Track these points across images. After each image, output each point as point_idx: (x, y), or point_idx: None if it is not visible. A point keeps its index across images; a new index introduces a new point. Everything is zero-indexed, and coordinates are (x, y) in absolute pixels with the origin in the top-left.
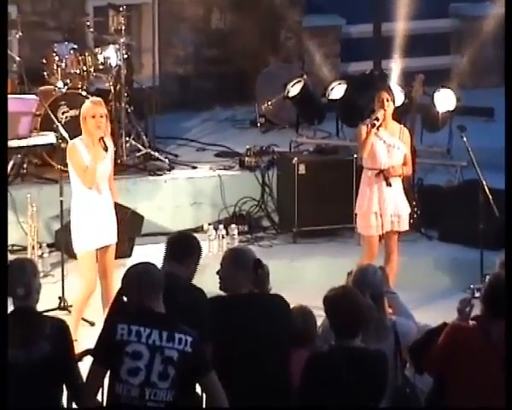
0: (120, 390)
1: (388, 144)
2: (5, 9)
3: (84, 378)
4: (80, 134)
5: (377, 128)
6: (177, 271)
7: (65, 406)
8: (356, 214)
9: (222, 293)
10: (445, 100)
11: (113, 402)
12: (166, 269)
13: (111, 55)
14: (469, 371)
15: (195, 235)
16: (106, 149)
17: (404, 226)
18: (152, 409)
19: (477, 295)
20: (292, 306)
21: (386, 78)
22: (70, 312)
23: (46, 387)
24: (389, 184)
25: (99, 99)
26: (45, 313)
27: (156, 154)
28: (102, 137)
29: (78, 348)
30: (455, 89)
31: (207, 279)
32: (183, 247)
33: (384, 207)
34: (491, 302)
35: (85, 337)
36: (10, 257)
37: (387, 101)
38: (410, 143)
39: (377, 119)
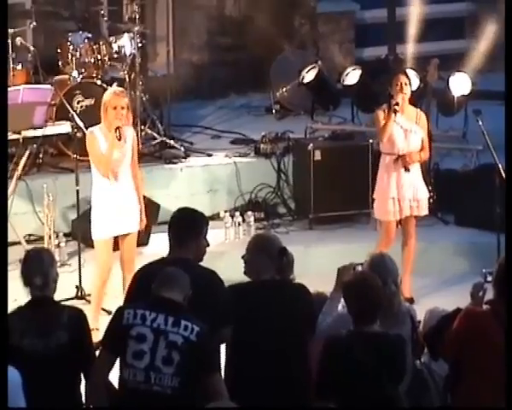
0: (127, 375)
1: (405, 129)
2: (5, 9)
3: None
4: (96, 123)
5: (395, 113)
6: (184, 255)
7: (83, 394)
8: (373, 199)
9: (239, 280)
10: (460, 84)
11: (121, 388)
12: (172, 256)
13: (125, 43)
14: (484, 355)
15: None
16: (119, 139)
17: (424, 211)
18: (158, 394)
19: (489, 279)
20: None
21: (401, 62)
22: (87, 301)
23: (64, 376)
24: (407, 170)
25: (121, 89)
26: (62, 303)
27: (171, 142)
28: (119, 127)
29: (99, 336)
30: (470, 73)
31: (224, 266)
32: (183, 229)
33: (402, 192)
34: (503, 285)
35: (103, 326)
36: (27, 247)
37: (405, 85)
38: (427, 128)
39: (397, 104)
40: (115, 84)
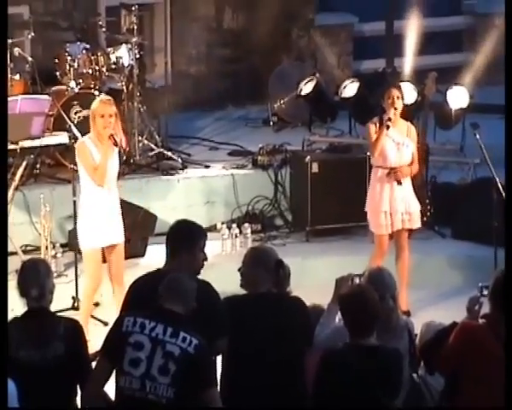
0: (123, 383)
1: (398, 142)
2: (5, 11)
3: None
4: None
5: (387, 128)
6: (177, 267)
7: (78, 405)
8: (365, 213)
9: (235, 292)
10: (457, 97)
11: (117, 396)
12: (166, 268)
13: (123, 54)
14: (480, 369)
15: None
16: (115, 144)
17: (416, 224)
18: (153, 403)
19: (485, 293)
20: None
21: (399, 75)
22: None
23: (60, 387)
24: (400, 183)
25: (108, 97)
26: (59, 314)
27: (169, 153)
28: (112, 134)
29: (91, 347)
30: (468, 86)
31: (221, 278)
32: (177, 241)
33: (395, 205)
34: (499, 299)
35: (98, 337)
36: (24, 257)
37: (397, 98)
38: (417, 141)
39: (390, 119)
40: (102, 95)
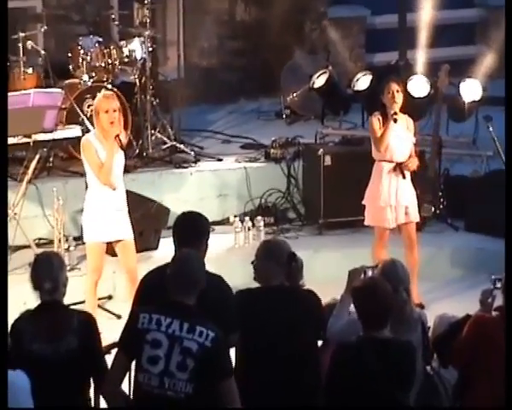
0: (142, 379)
1: (400, 136)
2: (5, 10)
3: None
4: None
5: (395, 122)
6: None
7: (92, 398)
8: (364, 206)
9: (248, 285)
10: (470, 90)
11: (136, 391)
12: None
13: (136, 47)
14: (494, 362)
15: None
16: (122, 148)
17: (417, 217)
18: (172, 399)
19: (498, 285)
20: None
21: (412, 68)
22: (98, 305)
23: (73, 380)
24: (404, 177)
25: (111, 92)
26: (72, 307)
27: (182, 146)
28: (118, 135)
29: (104, 340)
30: (481, 79)
31: (234, 271)
32: (192, 229)
33: (400, 199)
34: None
35: (111, 330)
36: (37, 251)
37: (397, 92)
38: (414, 133)
39: (396, 113)
40: (108, 91)
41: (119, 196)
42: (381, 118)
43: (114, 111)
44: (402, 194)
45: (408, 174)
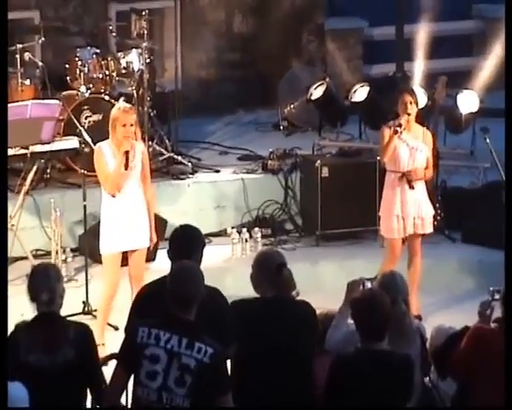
0: (140, 393)
1: (411, 147)
2: (5, 16)
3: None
4: (103, 138)
5: (401, 132)
6: None
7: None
8: (379, 217)
9: (245, 296)
10: (468, 102)
11: (134, 405)
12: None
13: (133, 59)
14: (492, 373)
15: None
16: (126, 168)
17: (428, 229)
18: None
19: (497, 297)
20: (317, 311)
21: (409, 80)
22: (94, 316)
23: (70, 392)
24: (412, 187)
25: (129, 106)
26: (69, 318)
27: (179, 158)
28: (127, 152)
29: (105, 352)
30: (478, 90)
31: (231, 282)
32: (188, 241)
33: (406, 209)
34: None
35: (110, 342)
36: (34, 262)
37: (411, 104)
38: (433, 146)
39: (400, 125)
40: (122, 98)
41: (134, 204)
42: (392, 128)
43: (131, 125)
44: (409, 204)
45: (421, 186)
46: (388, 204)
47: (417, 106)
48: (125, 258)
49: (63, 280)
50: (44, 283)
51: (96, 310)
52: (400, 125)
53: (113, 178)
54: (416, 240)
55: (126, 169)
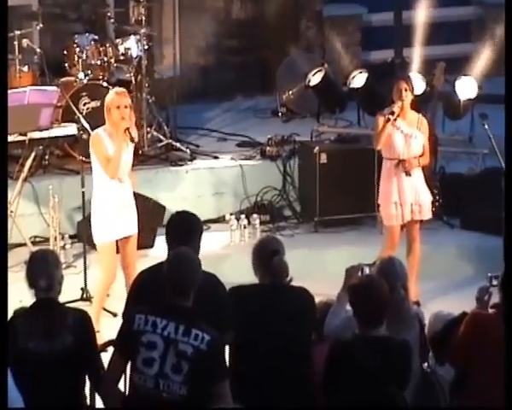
0: (137, 380)
1: (406, 134)
2: (5, 9)
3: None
4: (101, 125)
5: (395, 119)
6: None
7: (87, 396)
8: (379, 205)
9: (243, 282)
10: (466, 88)
11: (131, 392)
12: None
13: (132, 45)
14: (490, 359)
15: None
16: (132, 140)
17: (426, 215)
18: (166, 400)
19: (495, 283)
20: (317, 298)
21: (408, 66)
22: (92, 303)
23: (68, 378)
24: (408, 174)
25: (123, 89)
26: (67, 305)
27: (177, 144)
28: (128, 128)
29: (101, 338)
30: (476, 77)
31: (229, 269)
32: (186, 227)
33: (404, 196)
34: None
35: (108, 328)
36: (33, 249)
37: (405, 91)
38: (429, 133)
39: (393, 112)
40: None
41: (126, 192)
42: (386, 115)
43: (126, 107)
44: (406, 191)
45: (418, 172)
46: (386, 192)
47: (412, 93)
48: (116, 246)
49: (61, 266)
50: (43, 269)
51: (94, 296)
52: (393, 113)
53: (117, 160)
54: (415, 226)
55: (132, 142)
